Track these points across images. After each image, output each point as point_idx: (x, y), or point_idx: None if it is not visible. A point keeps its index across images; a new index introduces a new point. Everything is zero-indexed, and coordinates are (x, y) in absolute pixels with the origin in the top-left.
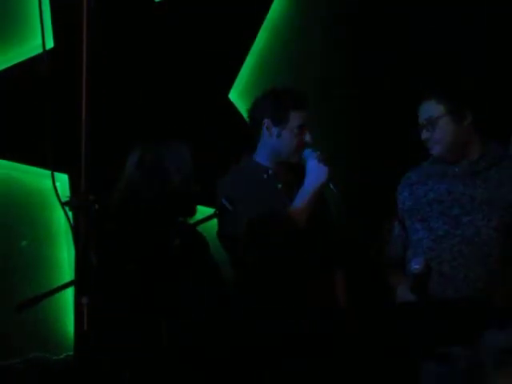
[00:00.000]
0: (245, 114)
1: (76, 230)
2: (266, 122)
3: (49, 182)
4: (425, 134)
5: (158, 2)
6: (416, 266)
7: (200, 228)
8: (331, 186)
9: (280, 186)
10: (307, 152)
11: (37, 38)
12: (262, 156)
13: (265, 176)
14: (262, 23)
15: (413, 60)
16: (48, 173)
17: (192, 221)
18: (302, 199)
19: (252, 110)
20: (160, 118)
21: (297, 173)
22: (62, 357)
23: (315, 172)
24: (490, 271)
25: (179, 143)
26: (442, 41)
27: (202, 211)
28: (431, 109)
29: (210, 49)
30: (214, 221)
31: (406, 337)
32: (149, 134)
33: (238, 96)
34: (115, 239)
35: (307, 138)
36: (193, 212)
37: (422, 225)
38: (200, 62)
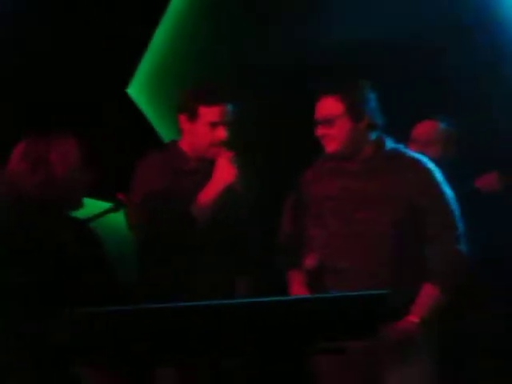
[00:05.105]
0: (144, 109)
1: None
2: (181, 117)
3: None
4: (321, 130)
5: None
6: (309, 262)
7: (96, 223)
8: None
9: (199, 179)
10: (220, 150)
11: None
12: (186, 146)
13: (186, 167)
14: (161, 16)
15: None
16: None
17: (89, 215)
18: (205, 197)
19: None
20: (56, 112)
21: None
22: None
23: (223, 171)
24: (383, 267)
25: (64, 135)
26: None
27: (100, 205)
28: (331, 106)
29: (108, 42)
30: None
31: (299, 332)
32: (45, 128)
33: (137, 90)
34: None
35: (221, 134)
36: (77, 204)
37: (316, 222)
38: (98, 55)
